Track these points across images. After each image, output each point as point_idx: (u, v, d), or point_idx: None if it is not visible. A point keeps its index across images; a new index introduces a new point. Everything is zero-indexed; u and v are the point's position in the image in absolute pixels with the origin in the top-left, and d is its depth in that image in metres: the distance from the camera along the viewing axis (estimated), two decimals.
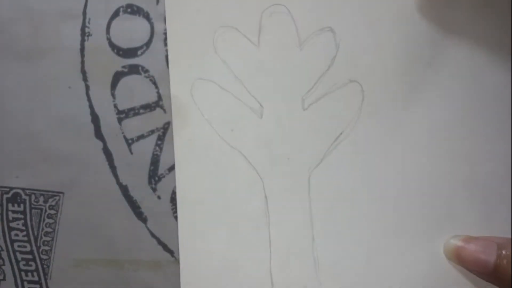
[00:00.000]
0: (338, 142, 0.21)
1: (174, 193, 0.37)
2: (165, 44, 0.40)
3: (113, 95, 0.39)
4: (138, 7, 0.40)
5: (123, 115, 0.38)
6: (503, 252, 0.20)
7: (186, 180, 0.24)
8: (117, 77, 0.39)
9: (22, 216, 0.37)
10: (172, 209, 0.37)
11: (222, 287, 0.22)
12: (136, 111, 0.38)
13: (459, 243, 0.21)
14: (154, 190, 0.37)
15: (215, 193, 0.22)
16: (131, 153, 0.38)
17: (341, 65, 0.21)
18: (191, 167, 0.23)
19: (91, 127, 0.38)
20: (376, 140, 0.21)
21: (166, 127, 0.38)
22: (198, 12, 0.22)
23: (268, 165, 0.21)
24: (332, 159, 0.21)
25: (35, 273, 0.36)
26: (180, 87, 0.24)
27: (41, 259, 0.36)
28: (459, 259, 0.21)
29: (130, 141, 0.38)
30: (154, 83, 0.39)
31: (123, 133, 0.38)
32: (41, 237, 0.37)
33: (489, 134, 0.21)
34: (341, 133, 0.21)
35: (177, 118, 0.24)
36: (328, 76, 0.21)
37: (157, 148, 0.38)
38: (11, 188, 0.37)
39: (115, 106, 0.39)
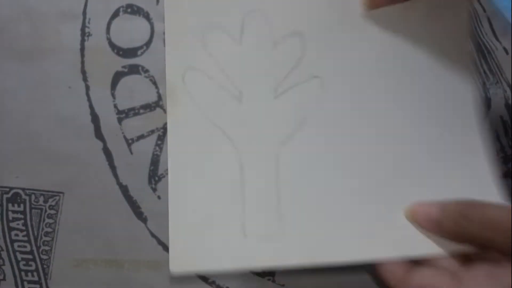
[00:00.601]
0: (302, 125, 0.25)
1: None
2: (165, 44, 0.40)
3: (113, 95, 0.39)
4: (138, 7, 0.40)
5: (123, 115, 0.38)
6: (446, 211, 0.23)
7: (176, 147, 0.28)
8: (117, 77, 0.39)
9: (22, 216, 0.37)
10: None
11: (203, 235, 0.26)
12: (136, 111, 0.39)
13: (414, 206, 0.24)
14: (154, 190, 0.37)
15: (200, 160, 0.26)
16: (131, 153, 0.38)
17: (307, 63, 0.25)
18: (181, 138, 0.27)
19: (91, 127, 0.38)
20: (335, 124, 0.25)
21: (166, 127, 0.38)
22: (191, 14, 0.26)
23: (244, 140, 0.25)
24: (297, 138, 0.25)
25: (35, 273, 0.36)
26: (174, 74, 0.28)
27: (41, 259, 0.36)
28: (415, 220, 0.24)
29: (130, 141, 0.38)
30: (154, 83, 0.39)
31: (123, 133, 0.38)
32: (41, 237, 0.37)
33: (450, 110, 0.26)
34: (304, 118, 0.25)
35: (170, 98, 0.28)
36: (296, 71, 0.26)
37: (157, 148, 0.38)
38: (11, 188, 0.37)
39: (115, 106, 0.39)
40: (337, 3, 0.25)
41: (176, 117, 0.28)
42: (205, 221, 0.26)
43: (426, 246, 0.24)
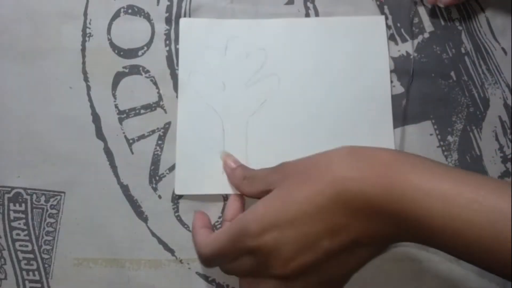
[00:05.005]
0: (263, 104, 0.38)
1: (174, 192, 0.37)
2: (166, 45, 0.40)
3: (114, 95, 0.39)
4: (138, 8, 0.41)
5: (124, 115, 0.39)
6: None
7: (183, 117, 0.38)
8: (118, 77, 0.39)
9: (23, 216, 0.37)
10: (173, 209, 0.37)
11: (197, 172, 0.37)
12: (137, 111, 0.39)
13: (226, 154, 0.36)
14: (155, 189, 0.37)
15: (198, 123, 0.38)
16: (132, 153, 0.38)
17: (268, 66, 0.39)
18: (186, 111, 0.38)
19: (92, 127, 0.38)
20: (285, 104, 0.38)
21: (167, 127, 0.38)
22: (196, 39, 0.39)
23: (226, 113, 0.38)
24: (260, 112, 0.38)
25: (36, 272, 0.36)
26: (183, 74, 0.39)
27: (42, 258, 0.36)
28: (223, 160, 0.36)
29: (131, 141, 0.38)
30: (155, 83, 0.39)
31: (124, 133, 0.38)
32: (43, 237, 0.37)
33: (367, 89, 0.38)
34: (265, 100, 0.38)
35: (181, 89, 0.39)
36: (261, 71, 0.39)
37: (158, 148, 0.38)
38: (13, 188, 0.37)
39: (116, 106, 0.39)
40: (286, 30, 0.39)
41: (184, 99, 0.38)
42: (198, 163, 0.37)
43: None
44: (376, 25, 0.39)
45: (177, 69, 0.39)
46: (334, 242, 0.26)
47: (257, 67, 0.38)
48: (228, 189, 0.36)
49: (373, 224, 0.26)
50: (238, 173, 0.34)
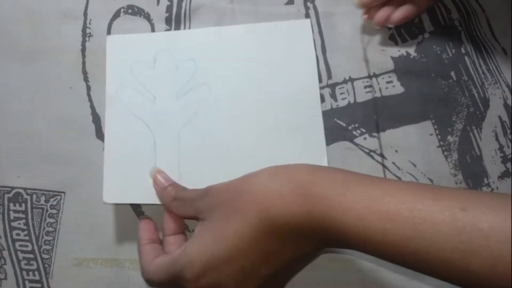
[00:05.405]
0: (195, 114, 0.37)
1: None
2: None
3: None
4: (138, 8, 0.41)
5: None
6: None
7: (111, 132, 0.37)
8: None
9: (23, 216, 0.37)
10: None
11: (127, 184, 0.35)
12: None
13: (156, 170, 0.35)
14: None
15: (128, 137, 0.37)
16: None
17: (198, 76, 0.38)
18: (116, 121, 0.37)
19: (92, 127, 0.38)
20: (217, 114, 0.37)
21: None
22: (123, 53, 0.38)
23: (157, 126, 0.37)
24: (192, 123, 0.37)
25: (36, 272, 0.36)
26: (111, 88, 0.37)
27: (42, 258, 0.36)
28: (152, 177, 0.35)
29: None
30: None
31: None
32: (43, 237, 0.37)
33: (297, 92, 0.37)
34: (197, 110, 0.37)
35: (108, 103, 0.37)
36: (191, 81, 0.38)
37: None
38: (13, 188, 0.37)
39: None
40: (215, 39, 0.39)
41: (112, 114, 0.37)
42: (128, 174, 0.36)
43: None
44: (301, 29, 0.38)
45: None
46: (270, 268, 0.28)
47: (187, 77, 0.38)
48: (158, 200, 0.35)
49: (303, 245, 0.27)
50: (168, 194, 0.33)
